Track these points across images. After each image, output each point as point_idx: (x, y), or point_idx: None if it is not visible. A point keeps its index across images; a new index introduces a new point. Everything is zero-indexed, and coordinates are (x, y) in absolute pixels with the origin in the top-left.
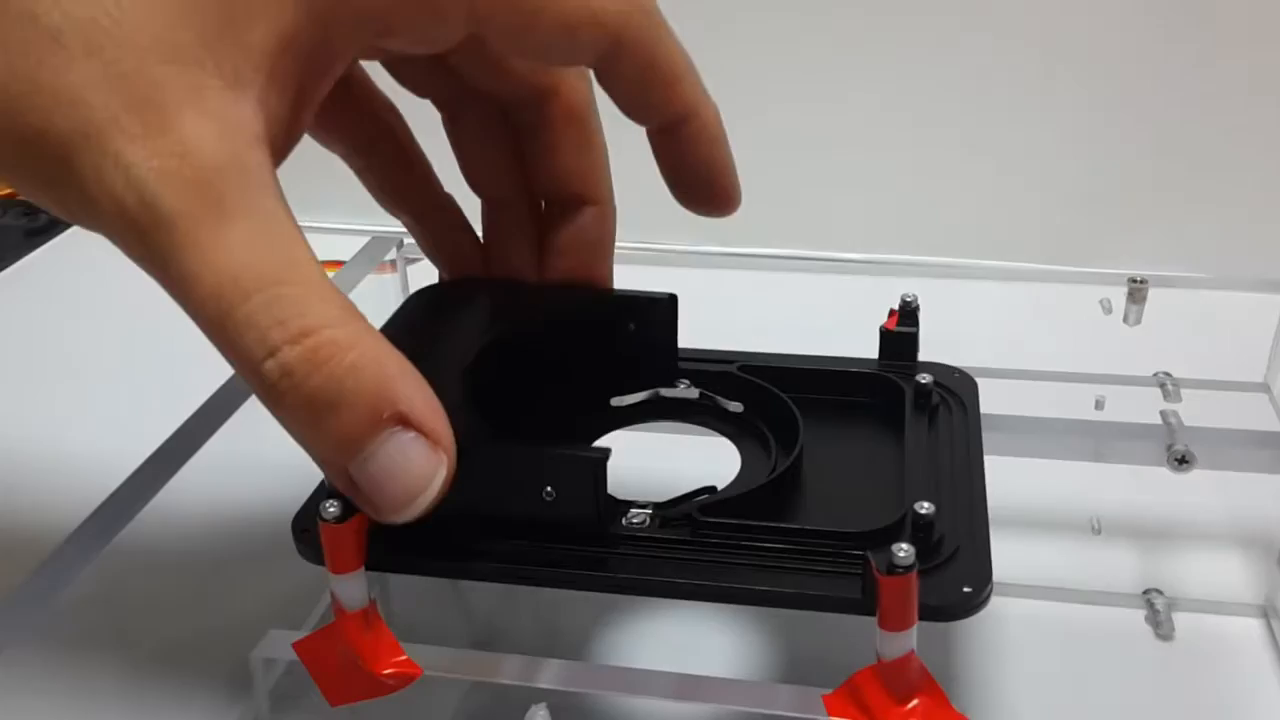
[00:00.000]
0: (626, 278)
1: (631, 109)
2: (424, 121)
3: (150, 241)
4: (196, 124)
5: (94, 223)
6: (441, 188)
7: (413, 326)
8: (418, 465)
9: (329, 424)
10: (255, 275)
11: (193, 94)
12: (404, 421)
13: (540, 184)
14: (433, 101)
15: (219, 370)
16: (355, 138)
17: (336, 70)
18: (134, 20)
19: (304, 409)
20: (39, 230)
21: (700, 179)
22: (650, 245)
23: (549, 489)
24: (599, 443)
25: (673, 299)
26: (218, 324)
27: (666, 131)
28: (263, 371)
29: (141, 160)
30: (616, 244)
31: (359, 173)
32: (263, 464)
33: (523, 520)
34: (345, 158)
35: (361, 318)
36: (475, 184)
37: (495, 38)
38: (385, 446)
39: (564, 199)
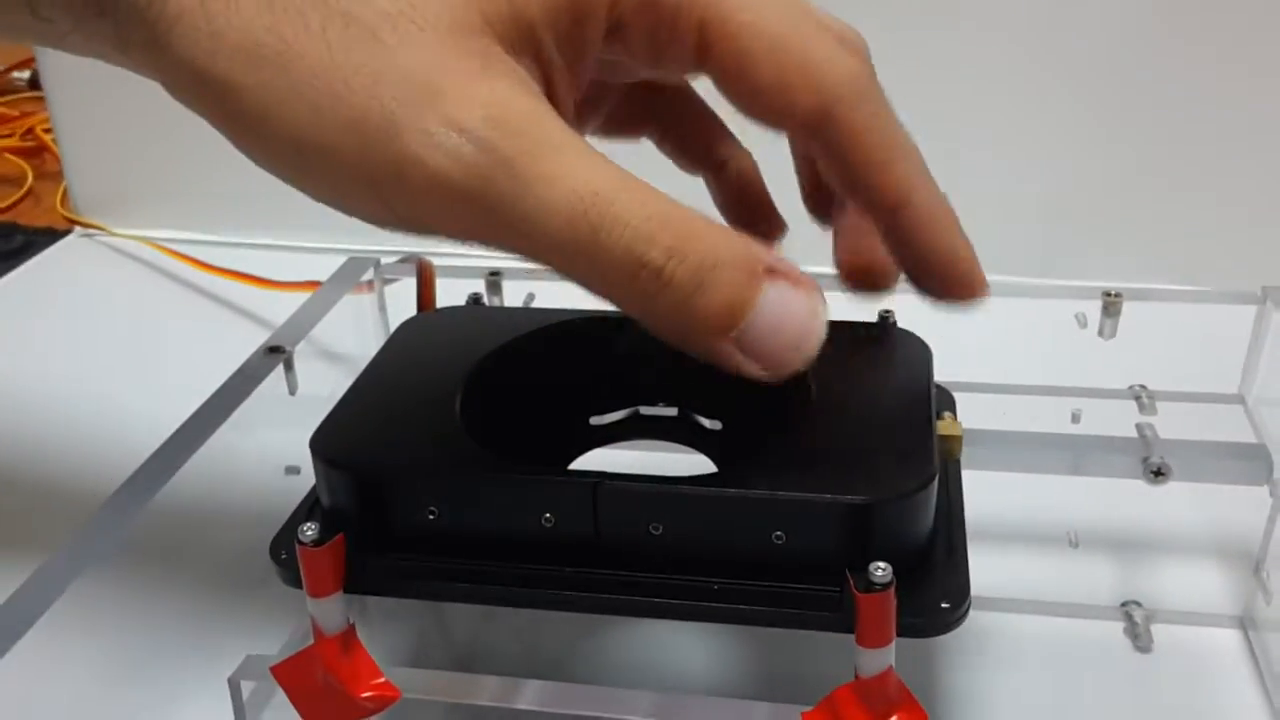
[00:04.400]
0: None
1: (838, 184)
2: None
3: (492, 187)
4: (504, 82)
5: (413, 194)
6: (738, 143)
7: (404, 357)
8: (801, 305)
9: (713, 293)
10: (605, 185)
11: (492, 61)
12: (773, 272)
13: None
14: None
15: (194, 391)
16: (662, 118)
17: (589, 56)
18: (431, 8)
19: (689, 285)
20: (13, 253)
21: (925, 268)
22: None
23: (548, 515)
24: (581, 461)
25: None
26: (589, 237)
27: (881, 214)
28: (648, 261)
29: (471, 115)
30: None
31: (658, 144)
32: (244, 483)
33: (511, 542)
34: (650, 137)
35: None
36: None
37: (717, 77)
38: (768, 298)
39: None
